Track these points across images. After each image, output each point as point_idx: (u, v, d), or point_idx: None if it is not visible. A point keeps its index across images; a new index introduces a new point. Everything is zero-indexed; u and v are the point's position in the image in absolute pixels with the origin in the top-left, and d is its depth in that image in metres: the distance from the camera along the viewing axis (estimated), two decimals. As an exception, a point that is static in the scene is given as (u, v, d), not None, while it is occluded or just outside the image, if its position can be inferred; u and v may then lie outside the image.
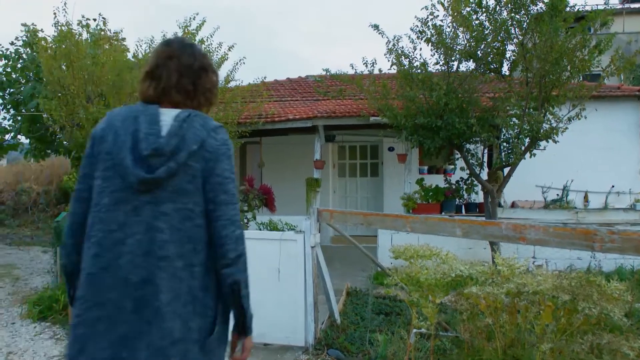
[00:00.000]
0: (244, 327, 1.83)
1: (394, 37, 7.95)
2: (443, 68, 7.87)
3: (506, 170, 7.95)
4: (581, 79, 7.83)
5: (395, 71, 8.34)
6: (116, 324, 1.64)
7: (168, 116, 1.78)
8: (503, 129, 7.81)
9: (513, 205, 10.25)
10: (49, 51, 8.13)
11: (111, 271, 1.66)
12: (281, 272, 4.86)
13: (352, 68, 8.90)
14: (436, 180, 9.91)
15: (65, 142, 8.24)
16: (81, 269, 1.72)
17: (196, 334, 1.71)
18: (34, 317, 5.76)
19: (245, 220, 6.97)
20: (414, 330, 4.08)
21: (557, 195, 9.54)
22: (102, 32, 12.04)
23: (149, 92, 1.86)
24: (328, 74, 9.49)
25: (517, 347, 3.53)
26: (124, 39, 12.37)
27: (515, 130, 7.41)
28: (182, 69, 1.85)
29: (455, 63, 7.99)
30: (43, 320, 5.72)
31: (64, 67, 7.65)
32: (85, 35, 11.83)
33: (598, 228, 2.71)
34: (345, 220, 4.60)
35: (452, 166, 10.65)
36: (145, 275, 1.65)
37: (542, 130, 7.25)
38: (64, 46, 7.73)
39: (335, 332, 5.03)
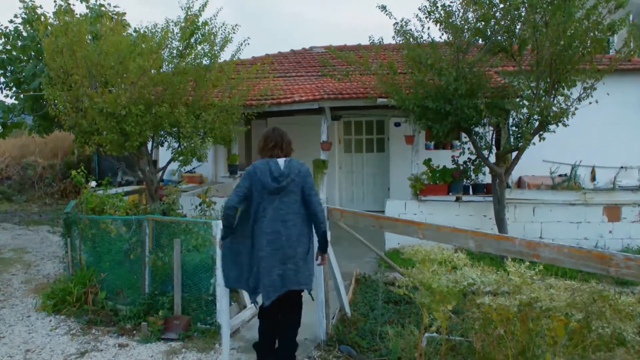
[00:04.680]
0: (323, 248, 4.15)
1: (402, 19, 7.77)
2: (452, 50, 7.70)
3: (514, 153, 7.89)
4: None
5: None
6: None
7: (281, 160, 4.02)
8: (512, 113, 7.72)
9: (519, 182, 10.22)
10: (49, 28, 7.99)
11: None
12: (292, 270, 4.88)
13: (359, 48, 8.72)
14: (443, 156, 9.85)
15: (70, 128, 8.16)
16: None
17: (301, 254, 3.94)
18: (49, 310, 5.84)
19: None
20: (426, 334, 4.14)
21: (566, 175, 9.49)
22: (103, 8, 11.88)
23: (270, 153, 4.06)
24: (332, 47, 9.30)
25: (529, 354, 3.58)
26: (124, 14, 12.21)
27: (525, 114, 7.32)
28: (282, 141, 4.11)
29: (464, 42, 7.82)
30: (57, 313, 5.80)
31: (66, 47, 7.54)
32: (84, 10, 11.65)
33: (614, 253, 2.70)
34: (356, 221, 4.60)
35: (459, 142, 10.57)
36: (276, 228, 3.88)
37: (551, 113, 7.16)
38: (64, 23, 7.60)
39: (346, 326, 5.09)
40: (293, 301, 4.09)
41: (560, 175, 9.67)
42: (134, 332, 5.25)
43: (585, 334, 3.11)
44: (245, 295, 5.84)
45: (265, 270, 3.82)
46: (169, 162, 8.21)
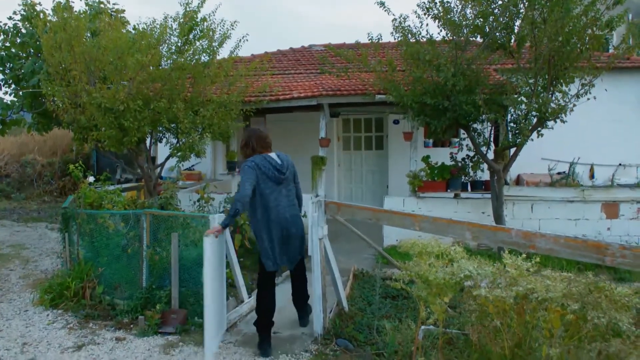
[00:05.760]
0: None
1: (401, 15, 7.78)
2: (450, 47, 7.71)
3: (512, 150, 7.89)
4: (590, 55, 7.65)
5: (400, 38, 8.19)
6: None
7: (274, 155, 4.66)
8: (511, 109, 7.72)
9: (518, 180, 10.21)
10: (48, 24, 7.98)
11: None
12: (290, 264, 4.90)
13: (357, 46, 8.73)
14: (442, 154, 9.84)
15: (69, 125, 8.16)
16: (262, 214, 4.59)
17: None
18: (46, 305, 5.84)
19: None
20: (422, 327, 4.14)
21: (564, 172, 9.49)
22: (102, 5, 11.87)
23: (248, 151, 4.70)
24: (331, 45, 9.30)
25: (525, 346, 3.58)
26: (123, 11, 12.21)
27: (523, 111, 7.32)
28: (250, 139, 4.72)
29: (463, 39, 7.82)
30: (55, 307, 5.80)
31: (64, 43, 7.53)
32: (83, 7, 11.64)
33: (610, 243, 2.70)
34: (353, 214, 4.60)
35: (457, 139, 10.58)
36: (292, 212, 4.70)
37: (549, 110, 7.16)
38: (63, 19, 7.59)
39: (343, 320, 5.09)
40: (301, 264, 4.94)
41: (558, 173, 9.68)
42: (132, 326, 5.25)
43: (581, 325, 3.11)
44: (243, 290, 5.84)
45: (290, 246, 4.66)
46: (167, 158, 8.20)
